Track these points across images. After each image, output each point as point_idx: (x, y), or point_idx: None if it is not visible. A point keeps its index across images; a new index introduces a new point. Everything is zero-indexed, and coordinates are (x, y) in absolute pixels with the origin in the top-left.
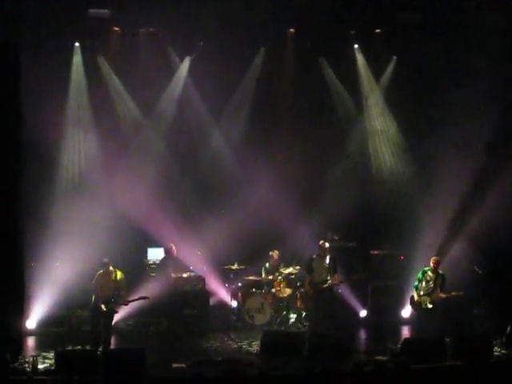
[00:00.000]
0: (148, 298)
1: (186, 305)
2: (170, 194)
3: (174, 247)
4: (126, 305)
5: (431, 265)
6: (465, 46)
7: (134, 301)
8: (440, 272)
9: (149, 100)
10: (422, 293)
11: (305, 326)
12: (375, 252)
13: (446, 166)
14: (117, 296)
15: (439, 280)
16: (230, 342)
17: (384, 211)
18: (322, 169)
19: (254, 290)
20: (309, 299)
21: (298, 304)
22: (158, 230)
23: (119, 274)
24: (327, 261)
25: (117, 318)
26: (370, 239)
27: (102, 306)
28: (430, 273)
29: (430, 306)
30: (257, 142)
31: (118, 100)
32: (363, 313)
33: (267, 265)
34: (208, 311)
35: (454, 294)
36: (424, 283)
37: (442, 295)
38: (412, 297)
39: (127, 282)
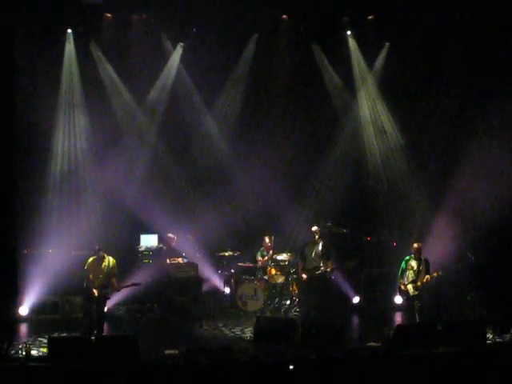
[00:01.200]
0: (140, 284)
1: (179, 291)
2: (163, 180)
3: (175, 238)
4: (119, 291)
5: (413, 252)
6: (460, 33)
7: (126, 287)
8: (423, 258)
9: (142, 87)
10: (407, 281)
11: (298, 312)
12: (368, 238)
13: (439, 152)
14: (109, 282)
15: (423, 266)
16: (223, 329)
17: (377, 198)
18: (316, 155)
19: (246, 276)
20: (302, 286)
21: (291, 290)
22: (151, 216)
23: (111, 261)
24: (320, 247)
25: (109, 304)
26: (363, 226)
27: (95, 292)
28: (412, 260)
29: (416, 292)
30: (250, 129)
31: (111, 87)
32: (356, 299)
33: (260, 251)
34: (201, 298)
35: (434, 275)
36: (408, 271)
37: (424, 280)
38: (399, 286)
39: (119, 268)
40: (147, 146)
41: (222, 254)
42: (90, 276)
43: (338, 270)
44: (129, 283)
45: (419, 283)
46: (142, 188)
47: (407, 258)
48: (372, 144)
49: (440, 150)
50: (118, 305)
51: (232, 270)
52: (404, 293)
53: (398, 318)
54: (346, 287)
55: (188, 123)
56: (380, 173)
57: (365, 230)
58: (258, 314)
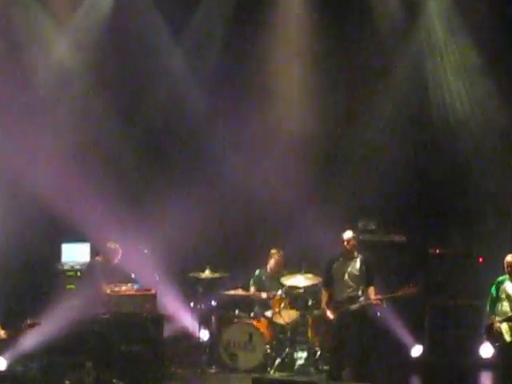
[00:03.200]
0: (38, 324)
1: (125, 337)
2: (102, 159)
3: (119, 249)
4: (11, 339)
5: (506, 269)
6: None
7: (19, 334)
8: None
9: (63, 9)
10: (500, 318)
11: (320, 370)
12: (437, 251)
13: None
14: None
15: None
16: None
17: (450, 186)
18: (350, 116)
19: (237, 312)
20: (327, 328)
21: (310, 335)
22: (81, 215)
23: None
24: (357, 265)
25: (12, 355)
26: (429, 230)
27: None
28: (508, 283)
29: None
30: (241, 76)
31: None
32: (417, 350)
33: (259, 272)
34: (161, 347)
35: None
36: (502, 302)
37: None
38: (488, 326)
39: (26, 299)
40: (75, 106)
41: (196, 275)
42: None
43: (387, 302)
44: (23, 327)
45: None
46: (66, 172)
47: (500, 279)
48: (444, 89)
49: None
50: (24, 358)
51: (213, 302)
52: (496, 337)
53: (486, 381)
54: (400, 330)
55: (142, 68)
56: (457, 143)
57: (431, 238)
58: (256, 375)
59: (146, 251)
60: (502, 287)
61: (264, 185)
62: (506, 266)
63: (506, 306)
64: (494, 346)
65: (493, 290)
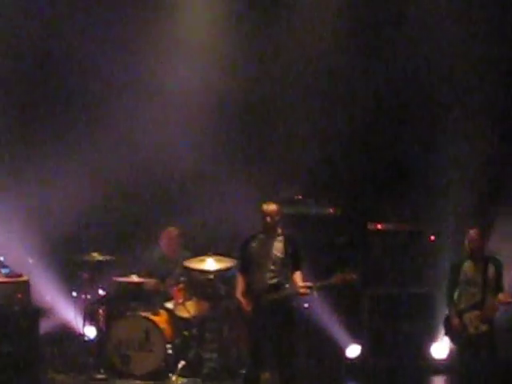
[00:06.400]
0: None
1: None
2: None
3: None
4: None
5: (467, 247)
6: None
7: None
8: (492, 257)
9: None
10: (463, 306)
11: (235, 374)
12: (379, 226)
13: None
14: None
15: (490, 272)
16: None
17: (400, 142)
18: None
19: (130, 304)
20: (243, 322)
21: (222, 332)
22: None
23: None
24: (281, 245)
25: None
26: (368, 202)
27: None
28: (468, 264)
29: (481, 328)
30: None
31: None
32: (354, 350)
33: (152, 254)
34: (37, 347)
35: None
36: (463, 287)
37: (500, 299)
38: (447, 317)
39: None
40: None
41: (80, 257)
42: None
43: (317, 291)
44: None
45: (489, 310)
46: None
47: (458, 260)
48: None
49: None
50: None
51: (101, 292)
52: (456, 329)
53: None
54: (333, 326)
55: None
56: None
57: (371, 211)
58: (153, 381)
59: (16, 225)
60: (462, 269)
61: (163, 144)
62: (467, 243)
63: (467, 290)
64: (455, 342)
65: (453, 271)
